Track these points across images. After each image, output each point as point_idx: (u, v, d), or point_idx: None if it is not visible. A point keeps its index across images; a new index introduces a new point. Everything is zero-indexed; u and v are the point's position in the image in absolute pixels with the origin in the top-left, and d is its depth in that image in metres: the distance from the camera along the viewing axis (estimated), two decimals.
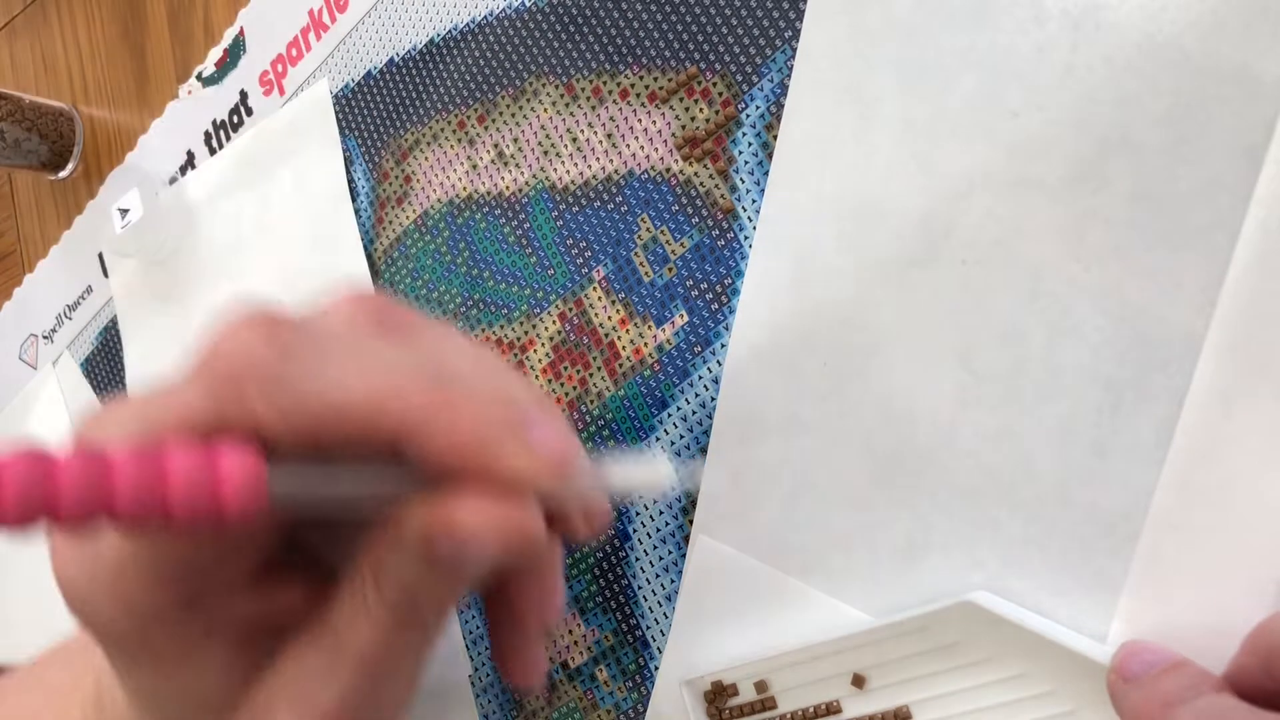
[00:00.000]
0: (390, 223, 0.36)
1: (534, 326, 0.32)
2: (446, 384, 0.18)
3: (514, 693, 0.32)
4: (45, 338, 0.50)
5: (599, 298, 0.30)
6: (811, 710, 0.25)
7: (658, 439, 0.29)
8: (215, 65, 0.43)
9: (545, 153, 0.32)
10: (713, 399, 0.28)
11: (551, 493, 0.18)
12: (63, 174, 0.52)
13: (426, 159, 0.35)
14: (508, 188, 0.33)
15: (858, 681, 0.25)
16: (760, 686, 0.26)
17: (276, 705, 0.21)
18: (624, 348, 0.30)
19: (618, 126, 0.30)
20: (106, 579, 0.18)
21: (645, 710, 0.29)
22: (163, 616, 0.19)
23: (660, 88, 0.29)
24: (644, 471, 0.22)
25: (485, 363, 0.21)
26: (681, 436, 0.28)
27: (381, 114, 0.37)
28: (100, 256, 0.48)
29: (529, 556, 0.21)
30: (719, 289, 0.28)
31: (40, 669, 0.30)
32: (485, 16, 0.34)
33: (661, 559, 0.29)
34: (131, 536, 0.18)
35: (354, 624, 0.20)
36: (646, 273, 0.29)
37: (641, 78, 0.30)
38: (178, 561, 0.19)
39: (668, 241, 0.29)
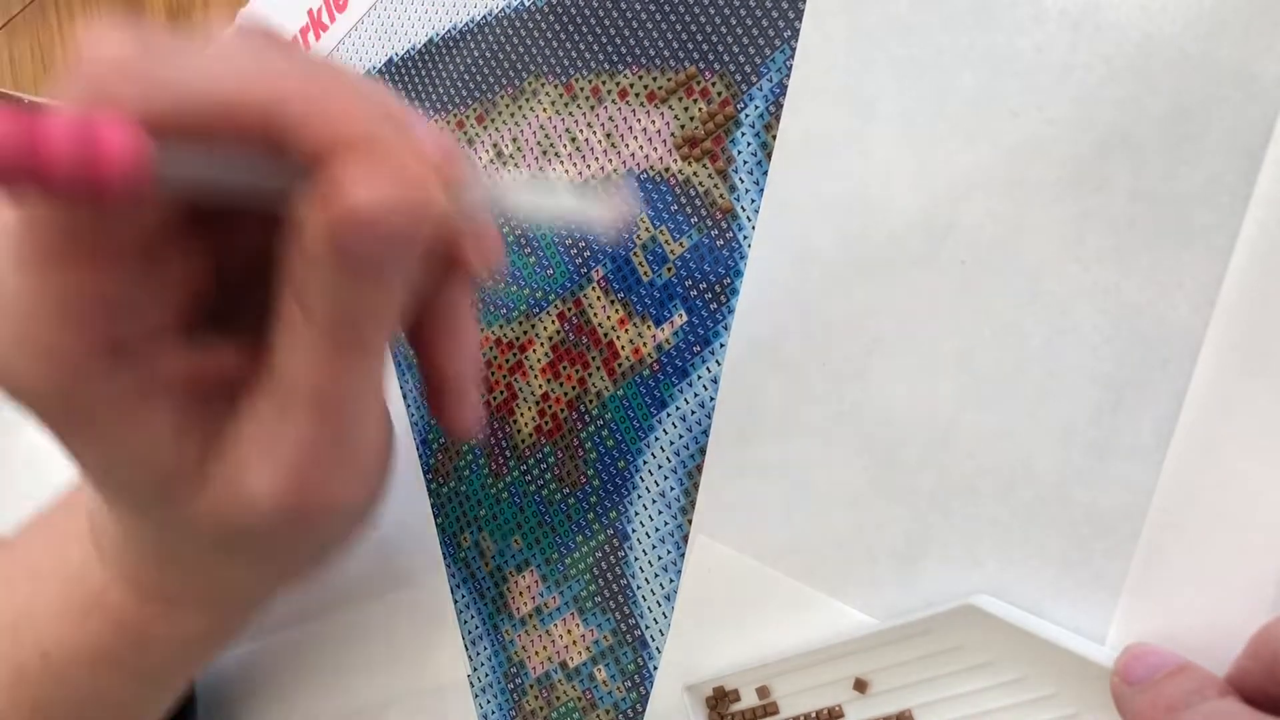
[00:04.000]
0: None
1: (533, 326, 0.32)
2: (323, 77, 0.18)
3: (450, 438, 0.31)
4: None
5: (598, 297, 0.30)
6: (814, 715, 0.25)
7: (656, 438, 0.29)
8: None
9: (544, 153, 0.32)
10: (712, 399, 0.28)
11: (437, 194, 0.17)
12: None
13: None
14: None
15: (860, 686, 0.25)
16: (762, 692, 0.26)
17: (244, 465, 0.20)
18: (623, 347, 0.30)
19: (616, 126, 0.30)
20: (18, 329, 0.17)
21: (644, 710, 0.28)
22: (87, 368, 0.18)
23: (659, 87, 0.29)
24: (548, 198, 0.21)
25: (365, 80, 0.20)
26: (680, 436, 0.28)
27: None
28: None
29: (438, 236, 0.20)
30: (718, 289, 0.28)
31: (26, 535, 0.29)
32: (484, 16, 0.34)
33: (660, 558, 0.29)
34: (21, 280, 0.17)
35: (295, 360, 0.19)
36: (645, 272, 0.29)
37: (640, 77, 0.30)
38: (88, 295, 0.17)
39: (667, 241, 0.29)
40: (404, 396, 0.35)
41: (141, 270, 0.18)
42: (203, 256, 0.20)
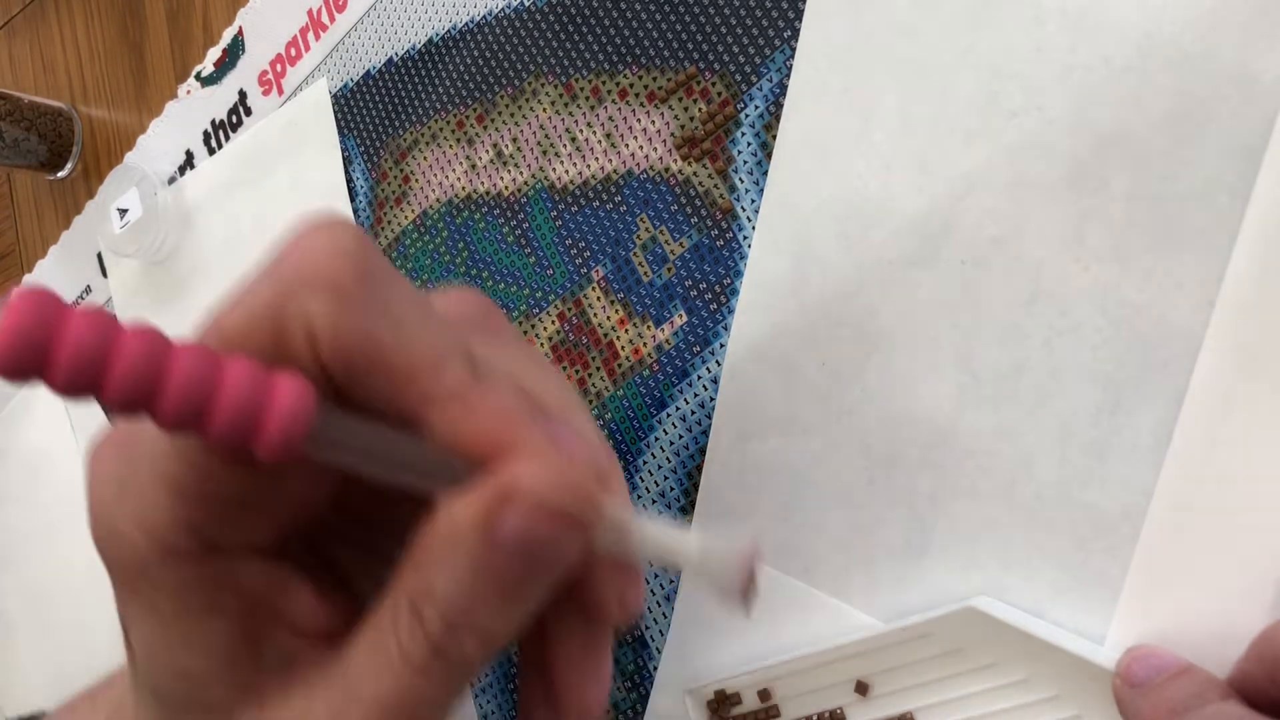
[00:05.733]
0: (389, 222, 0.36)
1: (533, 326, 0.32)
2: (490, 377, 0.17)
3: None
4: None
5: (598, 298, 0.30)
6: (816, 718, 0.25)
7: (656, 438, 0.29)
8: (214, 65, 0.43)
9: (544, 152, 0.32)
10: (711, 399, 0.28)
11: (573, 508, 0.16)
12: (61, 174, 0.52)
13: (425, 159, 0.35)
14: (507, 188, 0.33)
15: (861, 688, 0.25)
16: (764, 695, 0.26)
17: None
18: (623, 348, 0.30)
19: (616, 126, 0.30)
20: (134, 499, 0.17)
21: (644, 710, 0.28)
22: (179, 550, 0.18)
23: (659, 87, 0.29)
24: (675, 540, 0.17)
25: (550, 375, 0.19)
26: (680, 436, 0.28)
27: (380, 114, 0.37)
28: (99, 256, 0.48)
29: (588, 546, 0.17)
30: (718, 289, 0.28)
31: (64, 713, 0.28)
32: (484, 16, 0.34)
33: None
34: (162, 444, 0.17)
35: (374, 663, 0.18)
36: (645, 273, 0.29)
37: (640, 77, 0.30)
38: (205, 492, 0.17)
39: (667, 241, 0.29)
40: None
41: (259, 479, 0.18)
42: (313, 489, 0.19)
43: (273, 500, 0.18)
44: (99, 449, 0.18)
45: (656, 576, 0.29)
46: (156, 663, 0.19)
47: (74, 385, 0.14)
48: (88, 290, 0.48)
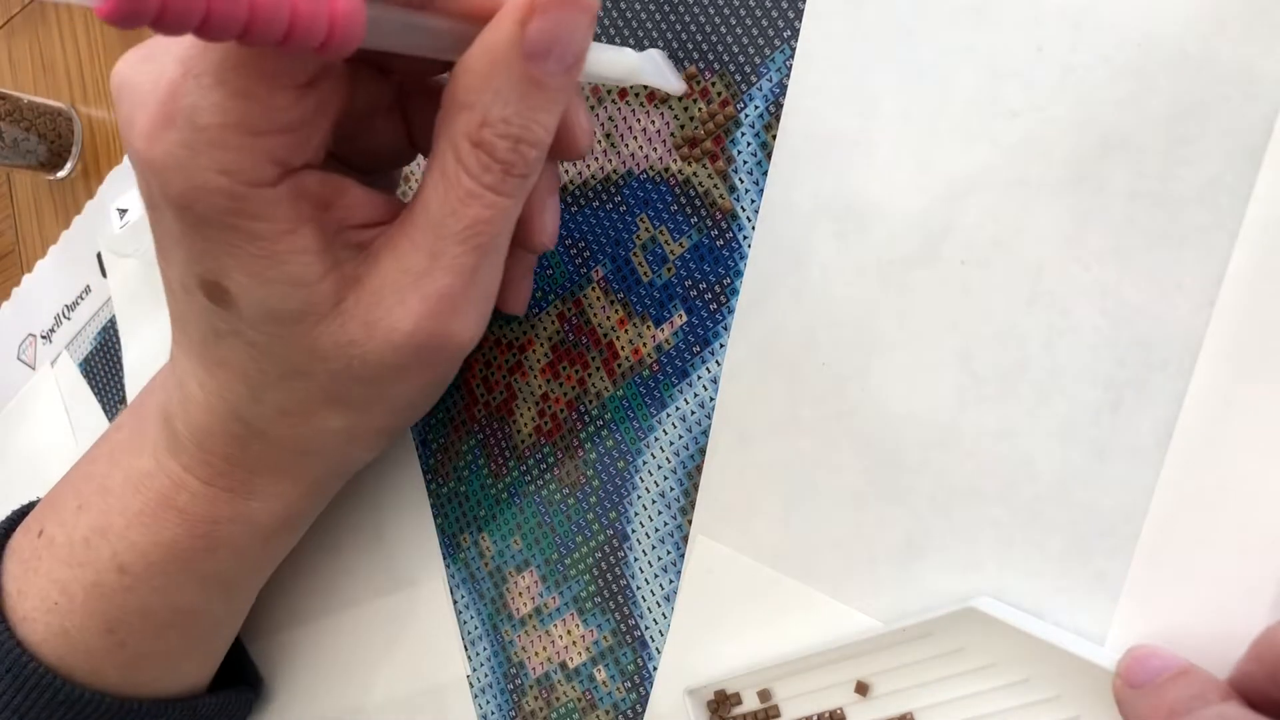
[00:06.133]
0: None
1: (533, 326, 0.32)
2: None
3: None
4: (44, 338, 0.50)
5: (598, 297, 0.30)
6: (816, 718, 0.25)
7: (656, 438, 0.29)
8: None
9: None
10: (711, 399, 0.28)
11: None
12: (61, 174, 0.52)
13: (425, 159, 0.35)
14: None
15: (861, 689, 0.25)
16: (764, 695, 0.26)
17: (387, 300, 0.23)
18: (623, 348, 0.30)
19: (616, 126, 0.30)
20: (212, 152, 0.20)
21: (644, 711, 0.28)
22: (265, 180, 0.21)
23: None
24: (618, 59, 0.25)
25: None
26: (680, 437, 0.28)
27: None
28: (99, 256, 0.48)
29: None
30: (718, 289, 0.28)
31: (90, 458, 0.31)
32: None
33: (660, 559, 0.29)
34: (213, 99, 0.20)
35: (453, 202, 0.22)
36: (645, 273, 0.29)
37: None
38: (269, 117, 0.20)
39: (666, 241, 0.29)
40: None
41: (307, 100, 0.21)
42: (346, 95, 0.23)
43: (318, 115, 0.22)
44: (146, 139, 0.20)
45: (656, 577, 0.29)
46: (273, 280, 0.22)
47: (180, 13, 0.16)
48: (88, 290, 0.48)
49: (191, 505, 0.27)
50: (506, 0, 0.20)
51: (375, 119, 0.26)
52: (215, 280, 0.22)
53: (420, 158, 0.31)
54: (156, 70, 0.20)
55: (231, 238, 0.21)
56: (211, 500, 0.28)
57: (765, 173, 0.27)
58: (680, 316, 0.29)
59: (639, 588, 0.29)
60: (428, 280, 0.22)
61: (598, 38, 0.31)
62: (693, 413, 0.28)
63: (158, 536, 0.28)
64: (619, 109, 0.30)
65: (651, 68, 0.27)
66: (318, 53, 0.18)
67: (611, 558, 0.29)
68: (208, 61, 0.20)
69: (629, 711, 0.29)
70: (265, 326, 0.23)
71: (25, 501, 0.33)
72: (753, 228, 0.27)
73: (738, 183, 0.28)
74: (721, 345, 0.28)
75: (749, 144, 0.28)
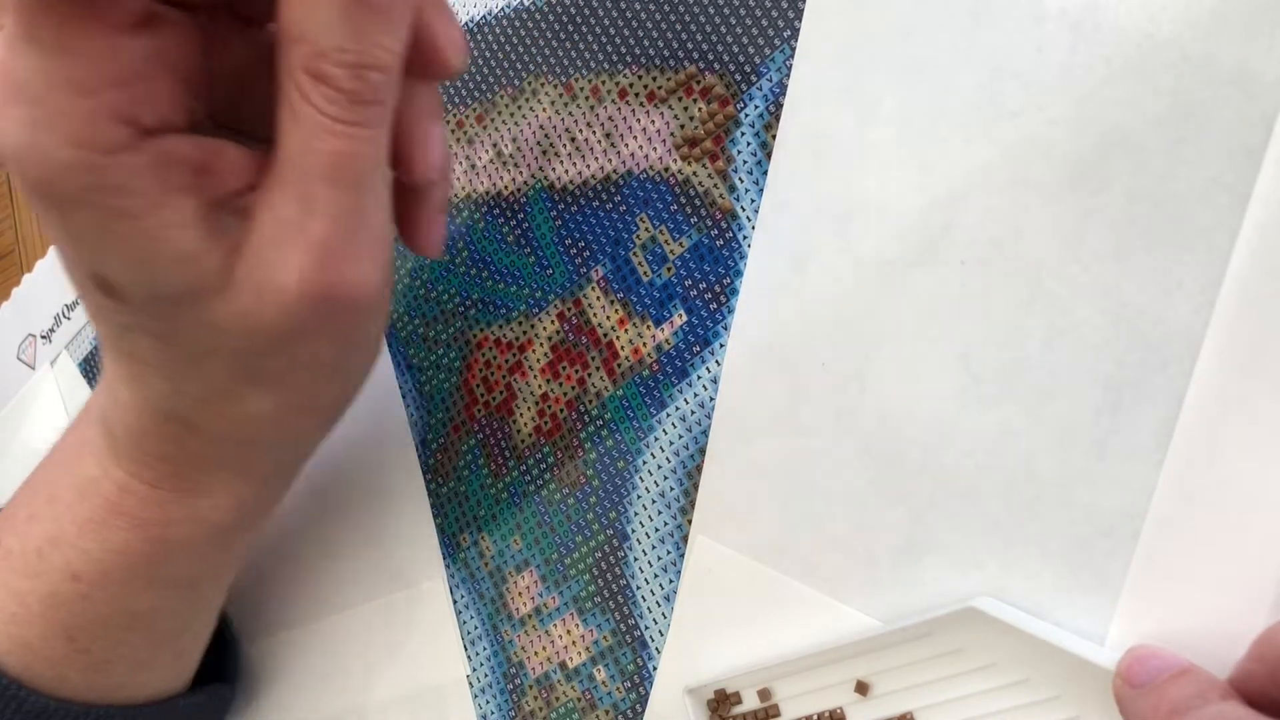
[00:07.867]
0: None
1: (532, 326, 0.32)
2: None
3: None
4: (44, 338, 0.50)
5: (597, 297, 0.30)
6: (816, 718, 0.25)
7: (656, 438, 0.29)
8: None
9: (544, 152, 0.32)
10: (711, 399, 0.28)
11: None
12: None
13: None
14: (506, 187, 0.33)
15: (861, 688, 0.25)
16: (764, 694, 0.26)
17: (269, 258, 0.21)
18: (622, 347, 0.30)
19: (616, 126, 0.30)
20: (52, 125, 0.19)
21: (644, 711, 0.28)
22: (119, 143, 0.19)
23: (659, 87, 0.29)
24: None
25: None
26: (680, 436, 0.28)
27: None
28: None
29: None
30: (718, 289, 0.28)
31: (40, 469, 0.30)
32: (484, 16, 0.34)
33: (660, 559, 0.29)
34: (33, 67, 0.18)
35: (306, 134, 0.20)
36: (645, 272, 0.29)
37: (640, 77, 0.30)
38: (96, 68, 0.19)
39: (666, 241, 0.29)
40: (403, 396, 0.35)
41: (134, 47, 0.20)
42: (191, 46, 0.22)
43: (157, 66, 0.20)
44: None
45: (656, 577, 0.29)
46: (152, 261, 0.21)
47: None
48: None
49: (140, 510, 0.27)
50: None
51: (250, 79, 0.24)
52: (98, 273, 0.21)
53: None
54: None
55: (102, 220, 0.20)
56: (160, 503, 0.27)
57: (765, 172, 0.27)
58: (680, 316, 0.29)
59: (639, 588, 0.29)
60: (303, 229, 0.21)
61: (597, 36, 0.31)
62: (693, 413, 0.28)
63: (109, 543, 0.27)
64: (619, 109, 0.30)
65: None
66: None
67: (611, 557, 0.29)
68: (20, 25, 0.18)
69: (629, 711, 0.29)
70: (158, 312, 0.22)
71: None
72: (753, 227, 0.27)
73: (737, 182, 0.28)
74: (721, 345, 0.28)
75: (749, 144, 0.28)
